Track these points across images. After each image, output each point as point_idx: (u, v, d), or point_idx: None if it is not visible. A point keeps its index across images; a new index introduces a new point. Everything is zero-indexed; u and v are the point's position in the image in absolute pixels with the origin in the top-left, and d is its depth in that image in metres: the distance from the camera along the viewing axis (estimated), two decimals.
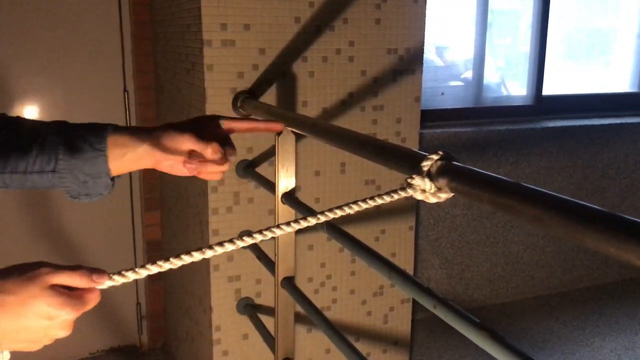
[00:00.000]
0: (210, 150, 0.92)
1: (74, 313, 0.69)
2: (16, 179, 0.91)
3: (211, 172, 0.94)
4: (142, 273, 0.74)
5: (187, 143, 0.92)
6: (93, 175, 0.90)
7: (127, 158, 0.91)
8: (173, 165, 0.94)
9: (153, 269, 0.74)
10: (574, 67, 3.77)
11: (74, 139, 0.91)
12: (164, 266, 0.74)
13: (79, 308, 0.70)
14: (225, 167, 0.94)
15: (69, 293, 0.69)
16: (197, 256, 0.75)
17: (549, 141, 3.24)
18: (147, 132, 0.92)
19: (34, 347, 0.72)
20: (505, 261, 3.31)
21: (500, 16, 3.34)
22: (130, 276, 0.73)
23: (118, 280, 0.72)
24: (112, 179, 0.92)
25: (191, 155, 0.93)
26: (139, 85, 2.66)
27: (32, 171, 0.90)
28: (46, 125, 0.93)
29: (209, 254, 0.75)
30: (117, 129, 0.92)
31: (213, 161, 0.93)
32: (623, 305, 3.33)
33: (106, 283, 0.71)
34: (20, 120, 0.95)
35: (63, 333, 0.71)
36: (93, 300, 0.71)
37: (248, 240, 0.78)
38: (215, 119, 0.98)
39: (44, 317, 0.68)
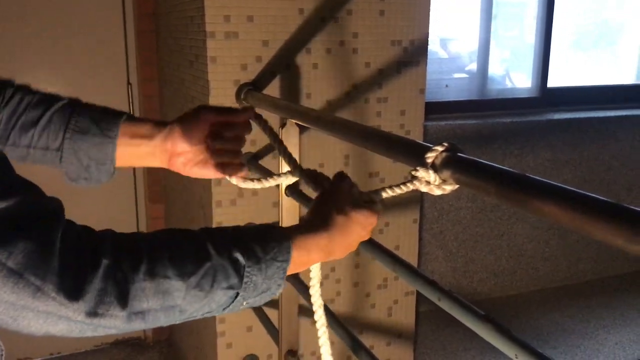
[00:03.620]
0: (239, 116, 0.97)
1: (376, 221, 0.81)
2: (17, 152, 0.87)
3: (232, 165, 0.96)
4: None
5: (207, 120, 0.93)
6: (98, 160, 0.88)
7: (139, 151, 0.90)
8: (186, 163, 0.92)
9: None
10: (580, 59, 3.74)
11: (85, 119, 0.87)
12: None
13: (378, 218, 0.81)
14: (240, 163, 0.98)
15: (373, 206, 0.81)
16: None
17: (554, 133, 3.22)
18: (162, 124, 0.91)
19: (345, 254, 0.81)
20: (510, 254, 3.30)
21: (505, 7, 3.32)
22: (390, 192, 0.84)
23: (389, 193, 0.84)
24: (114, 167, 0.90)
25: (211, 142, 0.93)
26: (143, 78, 2.65)
27: (35, 146, 0.87)
28: (57, 99, 0.89)
29: None
30: (131, 119, 0.90)
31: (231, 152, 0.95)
32: (628, 298, 3.32)
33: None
34: (29, 90, 0.90)
35: (367, 238, 0.82)
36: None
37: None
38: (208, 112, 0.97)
39: (363, 225, 0.79)
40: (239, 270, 0.64)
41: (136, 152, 0.90)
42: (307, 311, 1.96)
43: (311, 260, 0.75)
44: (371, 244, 1.15)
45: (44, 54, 2.51)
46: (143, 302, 0.58)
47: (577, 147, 3.29)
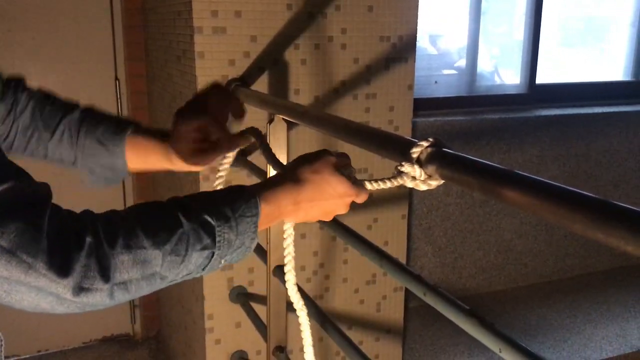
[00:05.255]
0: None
1: (357, 196, 0.82)
2: (35, 159, 0.99)
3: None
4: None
5: (189, 133, 1.00)
6: (111, 170, 0.99)
7: (148, 165, 1.01)
8: (186, 158, 1.01)
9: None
10: (568, 55, 3.76)
11: (92, 142, 0.97)
12: None
13: (360, 194, 0.82)
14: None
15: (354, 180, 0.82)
16: None
17: (542, 130, 3.23)
18: (162, 136, 1.01)
19: (320, 218, 0.82)
20: (498, 249, 3.32)
21: (494, 4, 3.33)
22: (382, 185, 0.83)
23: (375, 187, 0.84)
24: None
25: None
26: (131, 74, 2.63)
27: (52, 158, 0.98)
28: (67, 111, 0.98)
29: None
30: (137, 131, 0.99)
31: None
32: (615, 293, 3.35)
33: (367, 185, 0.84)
34: (41, 98, 0.99)
35: (343, 211, 0.83)
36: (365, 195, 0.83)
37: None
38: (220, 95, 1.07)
39: (338, 194, 0.80)
40: (210, 231, 0.68)
41: (146, 165, 1.02)
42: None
43: (282, 213, 0.78)
44: (358, 240, 1.15)
45: (32, 50, 2.49)
46: (124, 273, 0.63)
47: (564, 143, 3.31)
